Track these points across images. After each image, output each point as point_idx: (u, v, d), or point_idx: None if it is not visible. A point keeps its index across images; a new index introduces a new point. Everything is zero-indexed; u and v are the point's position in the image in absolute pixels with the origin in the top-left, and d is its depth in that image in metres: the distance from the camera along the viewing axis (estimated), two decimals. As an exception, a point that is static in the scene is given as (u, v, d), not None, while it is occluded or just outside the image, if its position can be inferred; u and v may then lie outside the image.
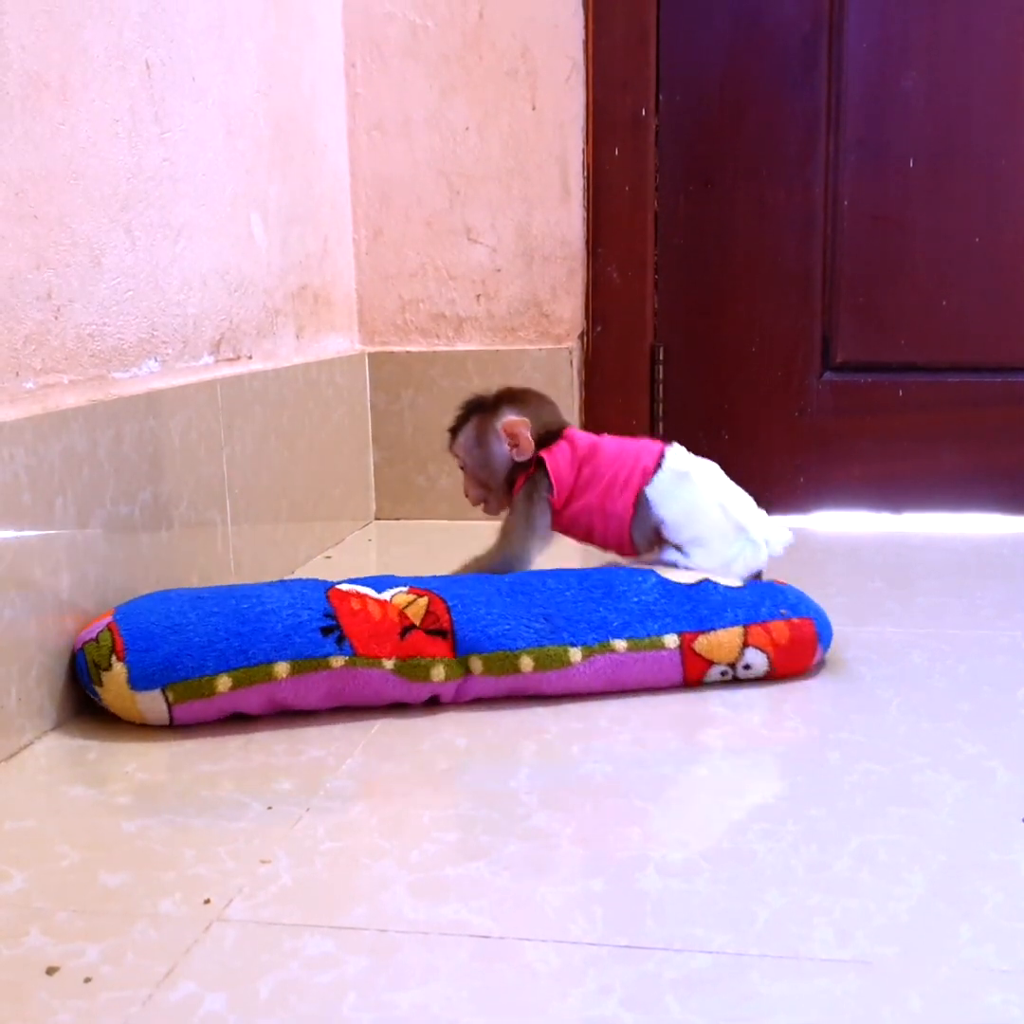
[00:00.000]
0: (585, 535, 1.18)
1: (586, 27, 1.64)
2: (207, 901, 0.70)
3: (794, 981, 0.61)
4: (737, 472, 1.72)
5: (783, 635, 1.05)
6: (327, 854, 0.76)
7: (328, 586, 1.02)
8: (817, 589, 1.37)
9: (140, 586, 1.09)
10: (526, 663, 1.00)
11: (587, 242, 1.70)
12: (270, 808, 0.83)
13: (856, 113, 1.66)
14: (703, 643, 1.04)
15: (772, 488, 1.72)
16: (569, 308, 1.72)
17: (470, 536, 1.65)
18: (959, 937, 0.65)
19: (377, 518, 1.76)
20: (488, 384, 1.72)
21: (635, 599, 1.05)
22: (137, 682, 0.94)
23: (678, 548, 1.13)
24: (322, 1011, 0.60)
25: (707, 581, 1.08)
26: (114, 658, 0.94)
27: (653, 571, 1.09)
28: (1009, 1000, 0.59)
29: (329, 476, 1.60)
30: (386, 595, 1.02)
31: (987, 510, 1.69)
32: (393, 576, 1.07)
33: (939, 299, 1.68)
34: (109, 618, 0.97)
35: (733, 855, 0.75)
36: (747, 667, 1.05)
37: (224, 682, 0.95)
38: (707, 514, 1.12)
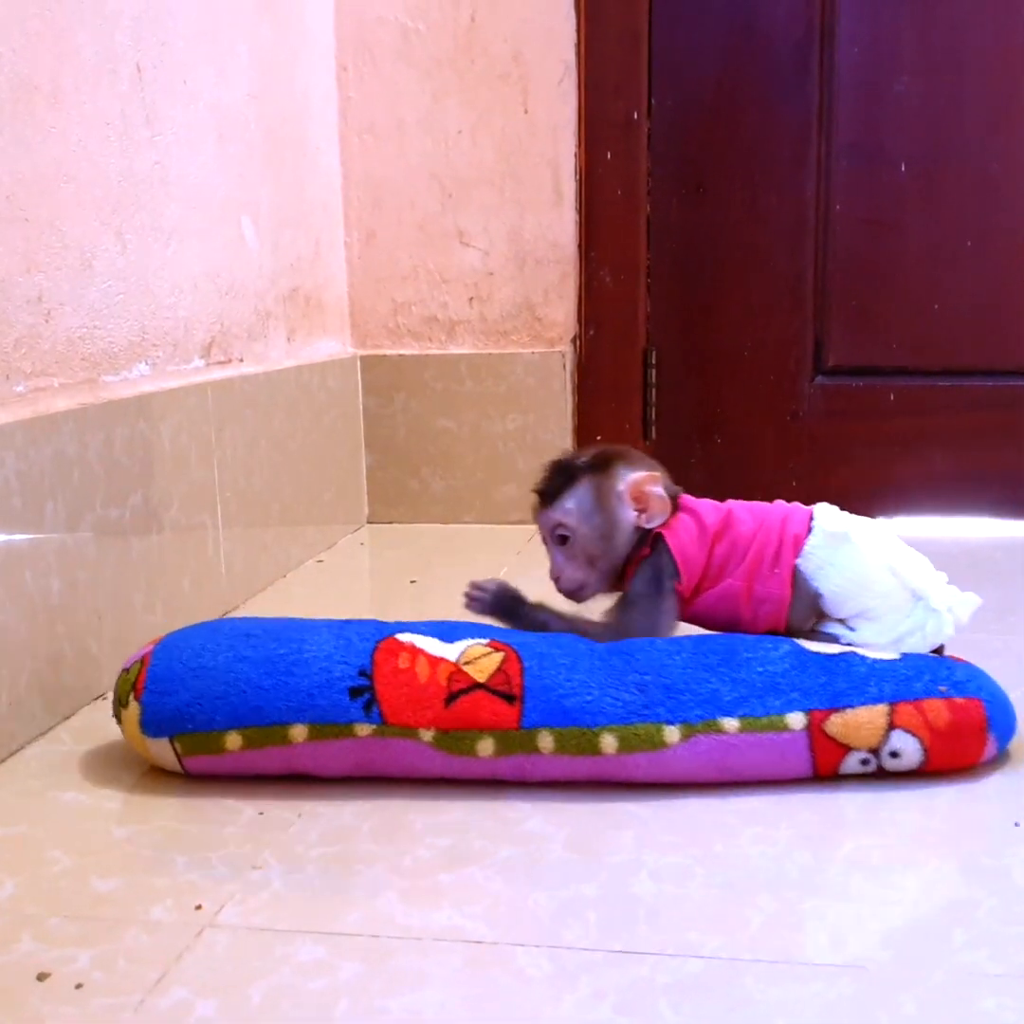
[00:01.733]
0: (727, 624, 0.96)
1: (578, 31, 1.64)
2: (199, 907, 0.70)
3: (788, 986, 0.61)
4: (730, 476, 1.73)
5: (941, 717, 0.85)
6: (319, 860, 0.76)
7: (385, 634, 0.89)
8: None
9: (130, 591, 1.09)
10: (608, 743, 0.84)
11: (579, 246, 1.70)
12: (262, 813, 0.82)
13: (848, 118, 1.66)
14: (837, 723, 0.85)
15: (765, 492, 1.71)
16: (562, 311, 1.71)
17: (463, 540, 1.66)
18: (953, 942, 0.65)
19: (369, 521, 1.76)
20: (481, 388, 1.72)
21: (759, 669, 0.87)
22: (148, 727, 0.86)
23: (841, 622, 0.95)
24: (314, 1017, 0.59)
25: (852, 652, 0.90)
26: (132, 696, 0.86)
27: (789, 639, 0.92)
28: (1003, 1004, 0.59)
29: (321, 479, 1.59)
30: (455, 647, 0.87)
31: (980, 514, 1.69)
32: (479, 624, 0.93)
33: (931, 303, 1.68)
34: (151, 647, 0.89)
35: (726, 859, 0.75)
36: (894, 754, 0.85)
37: (234, 740, 0.85)
38: (877, 582, 0.93)
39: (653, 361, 1.72)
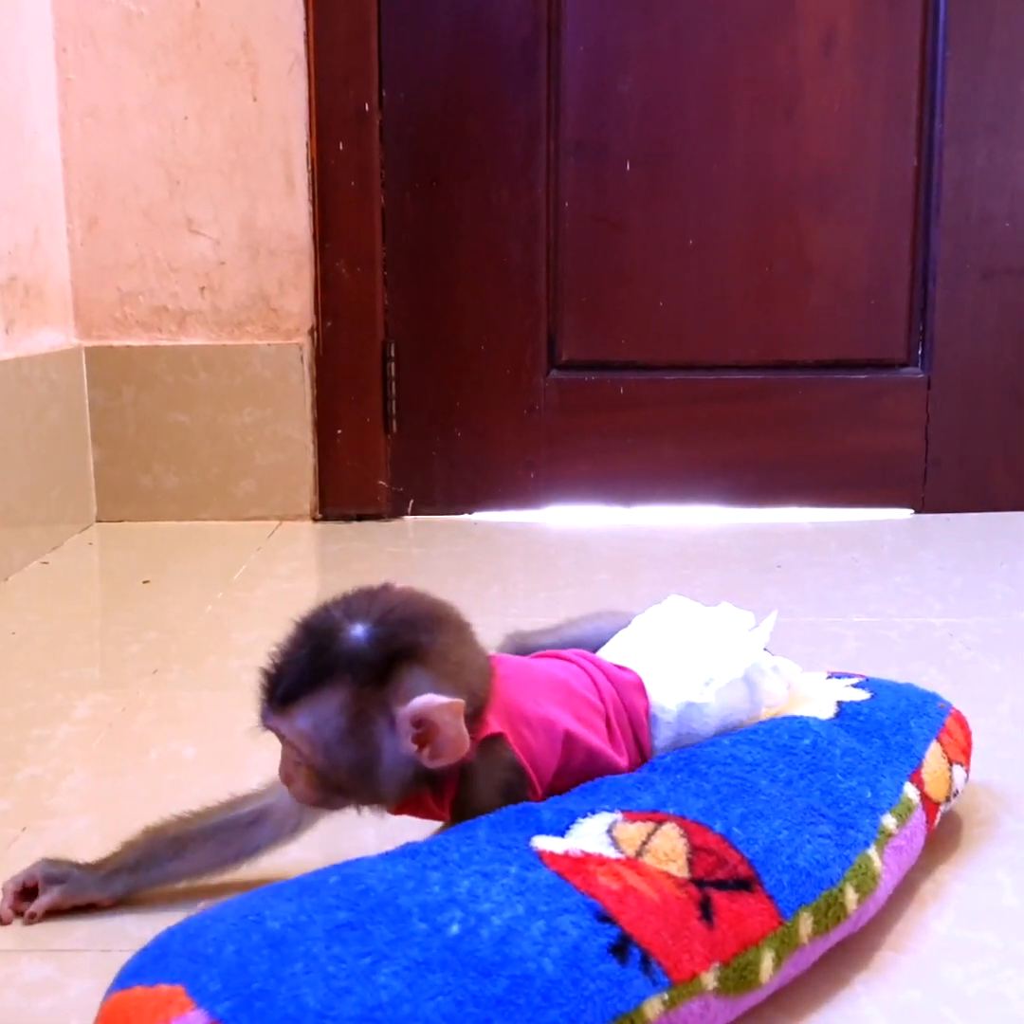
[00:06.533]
0: None
1: (307, 20, 1.62)
2: (-88, 933, 0.66)
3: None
4: (470, 469, 1.75)
5: (960, 736, 0.76)
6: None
7: (527, 845, 0.57)
8: (548, 582, 1.40)
9: None
10: (850, 898, 0.62)
11: (314, 236, 1.68)
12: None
13: (575, 116, 1.70)
14: (928, 781, 0.71)
15: (504, 484, 1.75)
16: (298, 303, 1.69)
17: (200, 537, 1.62)
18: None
19: (99, 520, 1.69)
20: (216, 380, 1.68)
21: (839, 752, 0.69)
22: None
23: None
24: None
25: (842, 703, 0.76)
26: None
27: (783, 717, 0.74)
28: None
29: (45, 477, 1.52)
30: (592, 834, 0.59)
31: (705, 502, 1.76)
32: (567, 799, 0.63)
33: (656, 299, 1.74)
34: (194, 1014, 0.47)
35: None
36: (956, 794, 0.74)
37: None
38: (729, 705, 0.74)
39: (392, 354, 1.72)
